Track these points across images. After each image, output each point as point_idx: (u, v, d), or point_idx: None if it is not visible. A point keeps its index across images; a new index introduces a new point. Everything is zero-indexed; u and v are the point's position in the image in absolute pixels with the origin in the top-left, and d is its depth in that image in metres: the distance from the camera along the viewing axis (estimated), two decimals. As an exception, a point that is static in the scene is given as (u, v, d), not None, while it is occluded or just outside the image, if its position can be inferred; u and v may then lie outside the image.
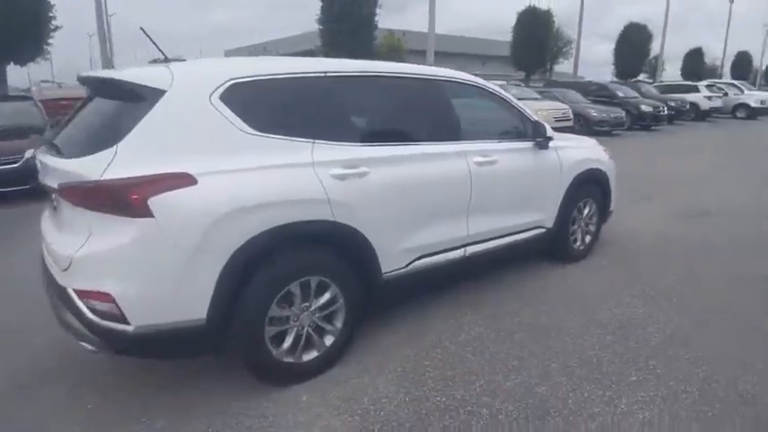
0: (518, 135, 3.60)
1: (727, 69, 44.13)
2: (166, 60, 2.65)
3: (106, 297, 2.00)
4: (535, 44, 22.34)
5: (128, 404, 2.35)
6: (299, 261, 2.40)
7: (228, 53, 53.41)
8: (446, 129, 3.12)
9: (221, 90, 2.25)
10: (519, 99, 4.87)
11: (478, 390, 2.44)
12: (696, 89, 23.01)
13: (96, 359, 2.66)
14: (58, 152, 2.31)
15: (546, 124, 3.71)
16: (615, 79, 27.10)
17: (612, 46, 29.87)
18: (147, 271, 2.04)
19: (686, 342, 2.89)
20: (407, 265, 2.86)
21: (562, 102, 14.74)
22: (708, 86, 23.89)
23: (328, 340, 2.58)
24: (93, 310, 2.04)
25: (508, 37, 24.35)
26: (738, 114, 24.19)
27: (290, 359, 2.44)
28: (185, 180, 2.06)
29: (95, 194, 2.00)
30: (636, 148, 12.29)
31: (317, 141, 2.47)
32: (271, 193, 2.25)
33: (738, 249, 4.57)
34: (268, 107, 2.40)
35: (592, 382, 2.50)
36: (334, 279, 2.52)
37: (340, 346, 2.63)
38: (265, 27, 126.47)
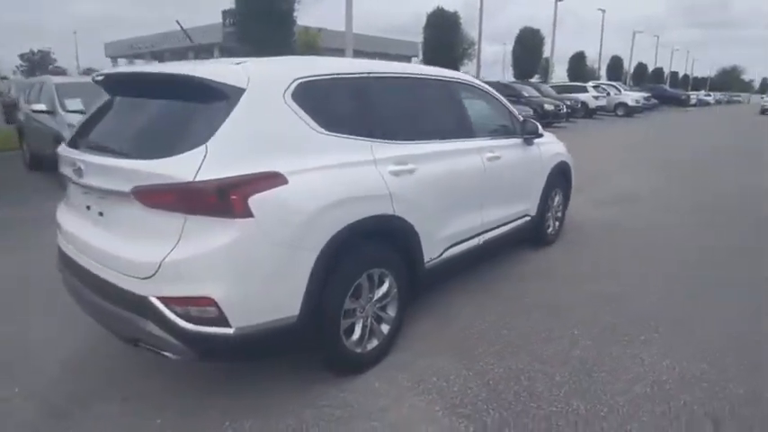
0: (511, 132, 3.96)
1: (603, 72, 49.50)
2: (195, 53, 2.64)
3: (207, 301, 1.97)
4: (445, 45, 23.47)
5: (201, 414, 2.30)
6: (367, 255, 2.51)
7: (109, 47, 49.19)
8: (465, 127, 3.38)
9: (291, 89, 2.29)
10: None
11: (526, 359, 2.73)
12: (585, 89, 25.66)
13: (117, 370, 2.57)
14: (107, 152, 2.21)
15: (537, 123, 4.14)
16: (514, 80, 29.28)
17: (500, 47, 32.24)
18: (248, 271, 2.04)
19: (666, 306, 3.43)
20: (441, 255, 3.07)
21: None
22: (594, 87, 26.76)
23: (385, 329, 2.71)
24: (185, 317, 1.99)
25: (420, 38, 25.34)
26: (618, 112, 27.29)
27: (358, 349, 2.54)
28: (279, 179, 2.08)
29: (191, 196, 1.95)
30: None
31: (374, 140, 2.60)
32: (348, 191, 2.34)
33: (666, 228, 5.42)
34: (331, 106, 2.47)
35: (614, 343, 2.90)
36: (391, 270, 2.66)
37: (393, 334, 2.78)
38: (148, 18, 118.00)
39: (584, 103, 23.84)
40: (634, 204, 6.48)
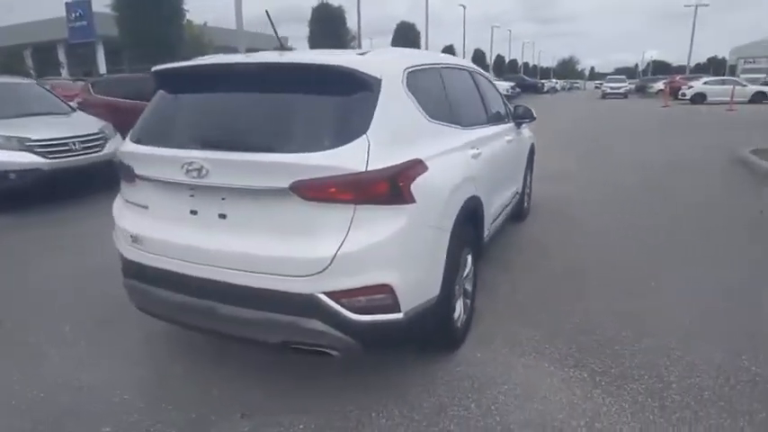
0: (507, 117, 4.32)
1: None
2: (282, 48, 2.55)
3: (383, 288, 1.98)
4: (332, 39, 23.54)
5: (341, 409, 2.28)
6: (465, 233, 2.66)
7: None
8: (492, 113, 3.66)
9: (406, 78, 2.35)
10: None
11: (580, 315, 3.10)
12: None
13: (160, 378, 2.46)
14: (244, 148, 2.05)
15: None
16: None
17: (377, 40, 33.25)
18: (414, 255, 2.08)
19: (649, 257, 4.09)
20: (489, 231, 3.33)
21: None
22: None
23: (468, 304, 2.89)
24: (354, 308, 1.98)
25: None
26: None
27: (458, 325, 2.69)
28: (423, 165, 2.16)
29: (364, 186, 1.93)
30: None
31: (458, 126, 2.76)
32: (461, 174, 2.50)
33: (609, 199, 6.32)
34: (428, 95, 2.56)
35: (623, 293, 3.43)
36: (472, 247, 2.84)
37: (472, 308, 2.97)
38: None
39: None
40: (568, 177, 7.37)
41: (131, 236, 2.34)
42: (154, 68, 2.46)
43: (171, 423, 2.21)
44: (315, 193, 1.95)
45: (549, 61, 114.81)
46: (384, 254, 2.00)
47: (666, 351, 2.67)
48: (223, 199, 2.10)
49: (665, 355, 2.63)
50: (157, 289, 2.29)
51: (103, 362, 2.68)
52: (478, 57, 54.85)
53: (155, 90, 2.53)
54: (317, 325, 2.00)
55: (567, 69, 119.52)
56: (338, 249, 1.94)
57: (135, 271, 2.37)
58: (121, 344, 2.86)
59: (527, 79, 46.83)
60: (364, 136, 1.99)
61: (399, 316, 2.05)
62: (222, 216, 2.12)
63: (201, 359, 2.69)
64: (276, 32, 2.64)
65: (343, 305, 1.98)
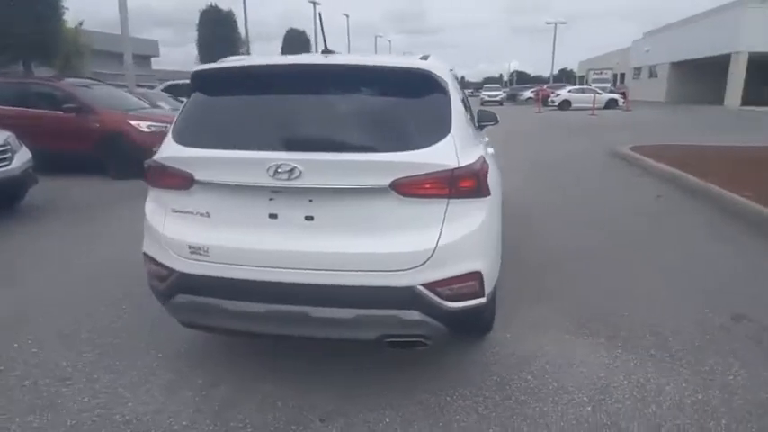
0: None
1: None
2: (327, 52, 2.57)
3: (473, 276, 2.14)
4: (223, 43, 22.52)
5: (418, 400, 2.40)
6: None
7: None
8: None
9: (454, 81, 2.57)
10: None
11: (599, 296, 3.55)
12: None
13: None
14: (338, 149, 2.08)
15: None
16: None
17: (270, 47, 32.52)
18: (491, 243, 2.28)
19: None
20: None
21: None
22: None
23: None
24: (447, 297, 2.11)
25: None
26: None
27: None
28: (486, 161, 2.37)
29: (458, 181, 2.08)
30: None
31: (474, 127, 3.04)
32: (496, 170, 2.74)
33: (529, 176, 7.06)
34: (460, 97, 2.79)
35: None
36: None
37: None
38: None
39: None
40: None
41: (190, 247, 2.21)
42: (203, 68, 2.39)
43: (266, 422, 2.21)
44: (414, 190, 2.06)
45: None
46: (474, 244, 2.17)
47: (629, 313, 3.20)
48: (310, 201, 2.11)
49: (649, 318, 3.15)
50: (229, 301, 2.18)
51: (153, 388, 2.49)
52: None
53: (195, 90, 2.44)
54: (416, 315, 2.10)
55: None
56: (437, 242, 2.08)
57: (195, 285, 2.22)
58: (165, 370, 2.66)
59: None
60: (450, 134, 2.16)
61: (483, 300, 2.23)
62: (309, 218, 2.12)
63: (248, 373, 2.61)
64: (324, 37, 2.66)
65: (438, 294, 2.11)
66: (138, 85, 15.38)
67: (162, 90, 14.23)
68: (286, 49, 31.53)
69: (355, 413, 2.28)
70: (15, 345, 2.88)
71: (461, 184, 2.11)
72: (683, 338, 2.88)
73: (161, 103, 11.47)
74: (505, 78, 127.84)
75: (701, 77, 33.43)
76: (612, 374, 2.55)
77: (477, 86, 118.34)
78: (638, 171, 8.45)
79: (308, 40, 32.39)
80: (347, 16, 49.09)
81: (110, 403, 2.37)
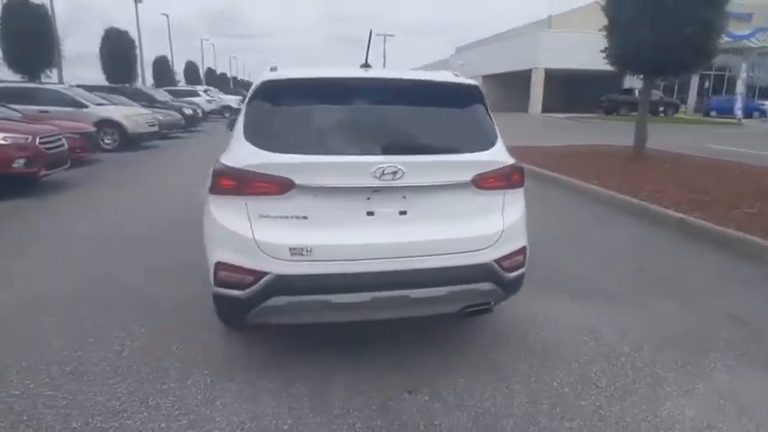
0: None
1: (181, 76, 50.80)
2: (367, 66, 2.82)
3: (522, 250, 2.66)
4: (30, 37, 19.03)
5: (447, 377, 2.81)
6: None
7: None
8: None
9: None
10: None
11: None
12: (197, 94, 26.58)
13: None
14: (425, 151, 2.44)
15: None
16: (110, 84, 26.75)
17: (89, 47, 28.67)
18: (525, 224, 2.76)
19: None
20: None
21: (141, 106, 14.55)
22: (205, 91, 27.99)
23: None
24: (506, 269, 2.58)
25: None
26: (226, 114, 29.54)
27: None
28: None
29: (513, 175, 2.58)
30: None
31: None
32: None
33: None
34: None
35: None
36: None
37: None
38: None
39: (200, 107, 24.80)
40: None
41: (291, 249, 2.31)
42: (277, 78, 2.54)
43: (360, 409, 2.38)
44: (486, 183, 2.52)
45: (254, 76, 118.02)
46: (522, 224, 2.71)
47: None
48: (404, 197, 2.41)
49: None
50: (335, 295, 2.35)
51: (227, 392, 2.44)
52: (191, 69, 52.74)
53: (264, 99, 2.54)
54: (490, 286, 2.56)
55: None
56: (503, 225, 2.57)
57: (296, 284, 2.33)
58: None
59: (246, 92, 47.52)
60: (498, 138, 2.67)
61: (524, 270, 2.75)
62: (403, 212, 2.42)
63: (310, 367, 2.72)
64: (368, 52, 2.88)
65: (502, 267, 2.58)
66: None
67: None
68: (105, 52, 27.95)
69: (434, 382, 2.61)
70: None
71: (513, 178, 2.64)
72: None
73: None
74: None
75: (509, 88, 39.12)
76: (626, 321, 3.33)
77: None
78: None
79: (132, 42, 29.29)
80: (167, 16, 45.48)
81: (198, 421, 2.30)
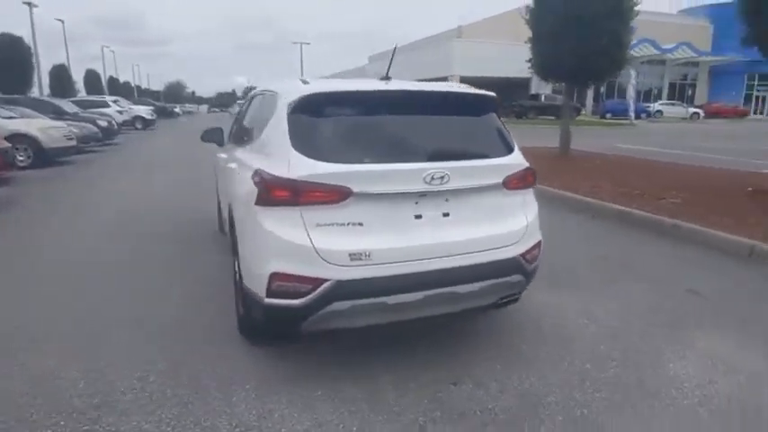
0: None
1: (81, 85, 47.05)
2: (387, 79, 2.96)
3: (539, 244, 2.93)
4: None
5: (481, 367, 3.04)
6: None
7: None
8: None
9: None
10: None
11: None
12: (107, 104, 24.76)
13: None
14: (465, 157, 2.65)
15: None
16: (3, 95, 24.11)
17: None
18: (538, 219, 3.02)
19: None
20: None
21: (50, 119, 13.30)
22: (114, 102, 26.13)
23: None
24: (528, 261, 2.84)
25: None
26: (138, 125, 27.84)
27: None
28: None
29: (528, 177, 2.86)
30: (116, 161, 13.60)
31: None
32: None
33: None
34: None
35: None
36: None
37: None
38: None
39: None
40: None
41: (351, 254, 2.39)
42: (320, 90, 2.61)
43: (416, 404, 2.50)
44: (512, 185, 2.79)
45: (158, 84, 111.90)
46: (537, 221, 2.97)
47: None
48: (446, 200, 2.59)
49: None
50: (391, 296, 2.46)
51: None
52: (92, 78, 48.85)
53: (305, 112, 2.57)
54: (518, 278, 2.82)
55: (176, 92, 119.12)
56: (526, 221, 2.83)
57: (356, 288, 2.41)
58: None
59: (157, 104, 45.15)
60: (515, 143, 2.92)
61: (538, 263, 3.02)
62: (446, 214, 2.60)
63: (350, 371, 2.80)
64: (390, 66, 3.02)
65: (526, 260, 2.84)
66: None
67: None
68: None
69: (473, 373, 2.80)
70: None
71: (529, 179, 2.92)
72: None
73: None
74: (239, 94, 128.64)
75: (427, 94, 40.47)
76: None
77: (215, 103, 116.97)
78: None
79: (28, 49, 26.64)
80: (62, 22, 41.83)
81: (266, 433, 2.30)
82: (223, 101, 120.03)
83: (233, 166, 3.49)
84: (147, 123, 28.35)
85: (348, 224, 2.44)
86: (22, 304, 3.74)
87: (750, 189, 7.17)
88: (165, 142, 19.78)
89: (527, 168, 2.89)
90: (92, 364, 2.87)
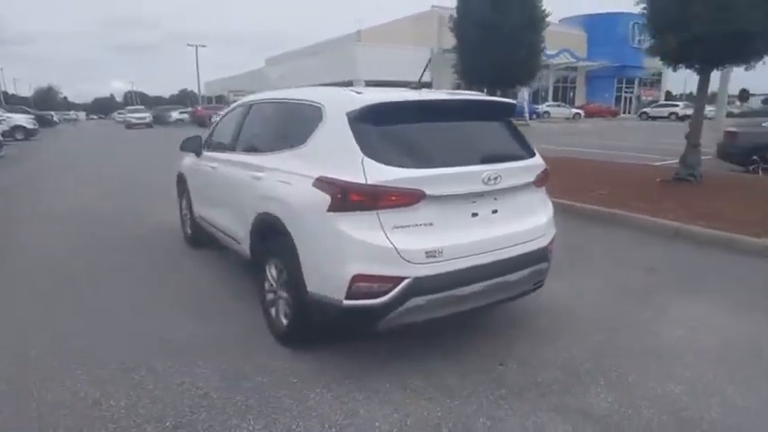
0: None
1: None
2: (421, 87, 3.23)
3: (555, 236, 3.33)
4: None
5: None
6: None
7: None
8: None
9: None
10: None
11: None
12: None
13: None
14: (506, 159, 2.97)
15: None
16: None
17: None
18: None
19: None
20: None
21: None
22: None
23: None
24: (551, 251, 3.26)
25: None
26: (18, 136, 24.80)
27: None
28: None
29: (546, 176, 3.26)
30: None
31: None
32: None
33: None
34: None
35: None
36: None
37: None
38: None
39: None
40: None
41: (427, 252, 2.60)
42: (387, 100, 2.81)
43: (480, 384, 2.79)
44: (539, 183, 3.20)
45: (26, 90, 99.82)
46: (552, 216, 3.37)
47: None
48: (495, 199, 2.90)
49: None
50: (460, 288, 2.71)
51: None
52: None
53: (370, 121, 2.73)
54: (546, 265, 3.24)
55: (49, 98, 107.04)
56: (549, 215, 3.27)
57: (432, 284, 2.62)
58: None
59: (39, 112, 40.33)
60: (534, 148, 3.32)
61: (551, 255, 3.43)
62: (495, 211, 2.91)
63: (403, 363, 3.01)
64: (423, 74, 3.26)
65: (548, 250, 3.26)
66: None
67: None
68: None
69: (513, 354, 3.14)
70: None
71: (545, 178, 3.32)
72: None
73: None
74: (119, 99, 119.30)
75: (333, 99, 40.49)
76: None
77: (92, 109, 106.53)
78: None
79: None
80: None
81: (363, 427, 2.45)
82: (102, 107, 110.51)
83: (256, 174, 3.38)
84: (28, 134, 25.37)
85: (421, 225, 2.65)
86: None
87: (659, 180, 8.37)
88: (65, 155, 17.88)
89: (546, 168, 3.30)
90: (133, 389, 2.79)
